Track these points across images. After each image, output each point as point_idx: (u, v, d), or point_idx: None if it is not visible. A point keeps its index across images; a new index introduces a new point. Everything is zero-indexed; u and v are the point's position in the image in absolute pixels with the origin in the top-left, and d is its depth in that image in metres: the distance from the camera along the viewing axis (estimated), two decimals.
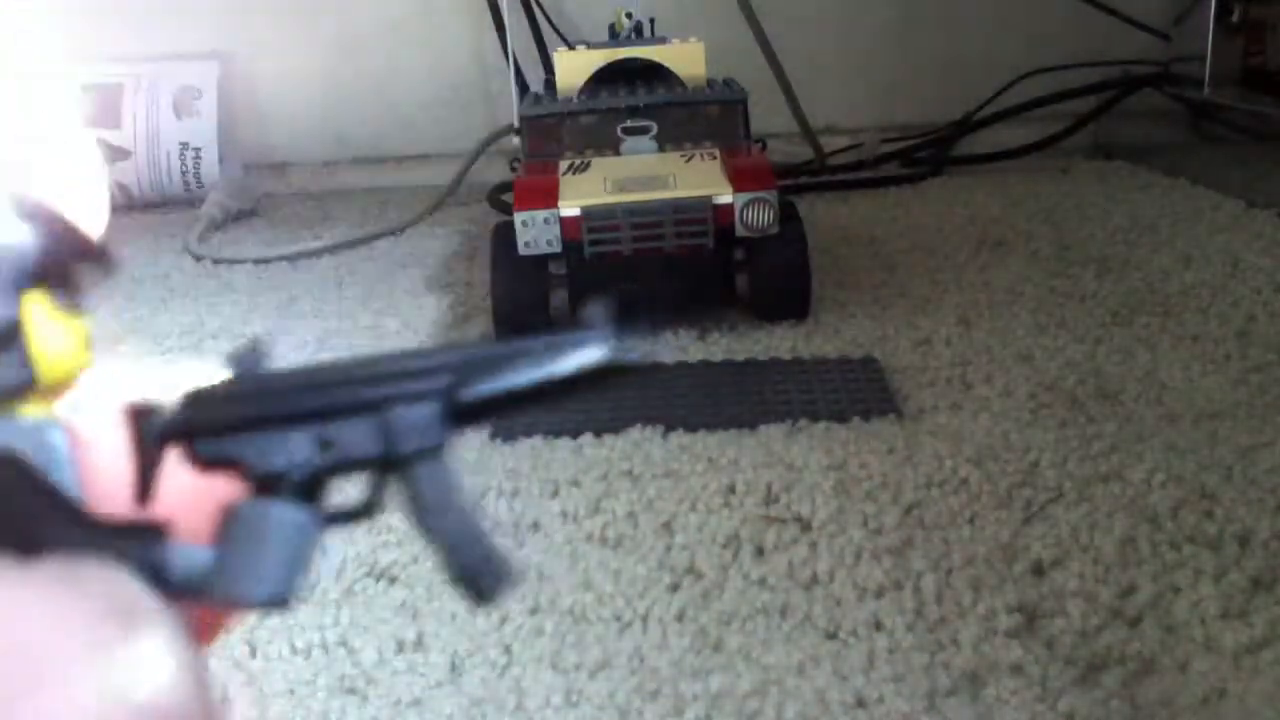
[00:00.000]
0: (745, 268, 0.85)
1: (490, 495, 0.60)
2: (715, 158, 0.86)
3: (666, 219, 0.81)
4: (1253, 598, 0.48)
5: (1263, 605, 0.48)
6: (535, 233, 0.80)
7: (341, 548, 0.54)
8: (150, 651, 0.11)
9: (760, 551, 0.54)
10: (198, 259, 1.12)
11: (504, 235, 0.83)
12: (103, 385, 0.16)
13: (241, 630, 0.49)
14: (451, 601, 0.51)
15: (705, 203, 0.81)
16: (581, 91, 0.94)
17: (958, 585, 0.50)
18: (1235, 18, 1.20)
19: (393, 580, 0.53)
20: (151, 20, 1.40)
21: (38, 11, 1.38)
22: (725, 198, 0.81)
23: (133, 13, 1.40)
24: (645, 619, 0.50)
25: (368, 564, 0.54)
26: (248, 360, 0.17)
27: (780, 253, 0.83)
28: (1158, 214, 1.09)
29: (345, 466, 0.17)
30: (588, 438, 0.67)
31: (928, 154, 1.38)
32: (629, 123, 0.89)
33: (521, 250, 0.81)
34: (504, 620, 0.50)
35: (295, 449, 0.17)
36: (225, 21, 1.42)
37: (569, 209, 0.81)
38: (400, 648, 0.49)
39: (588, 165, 0.86)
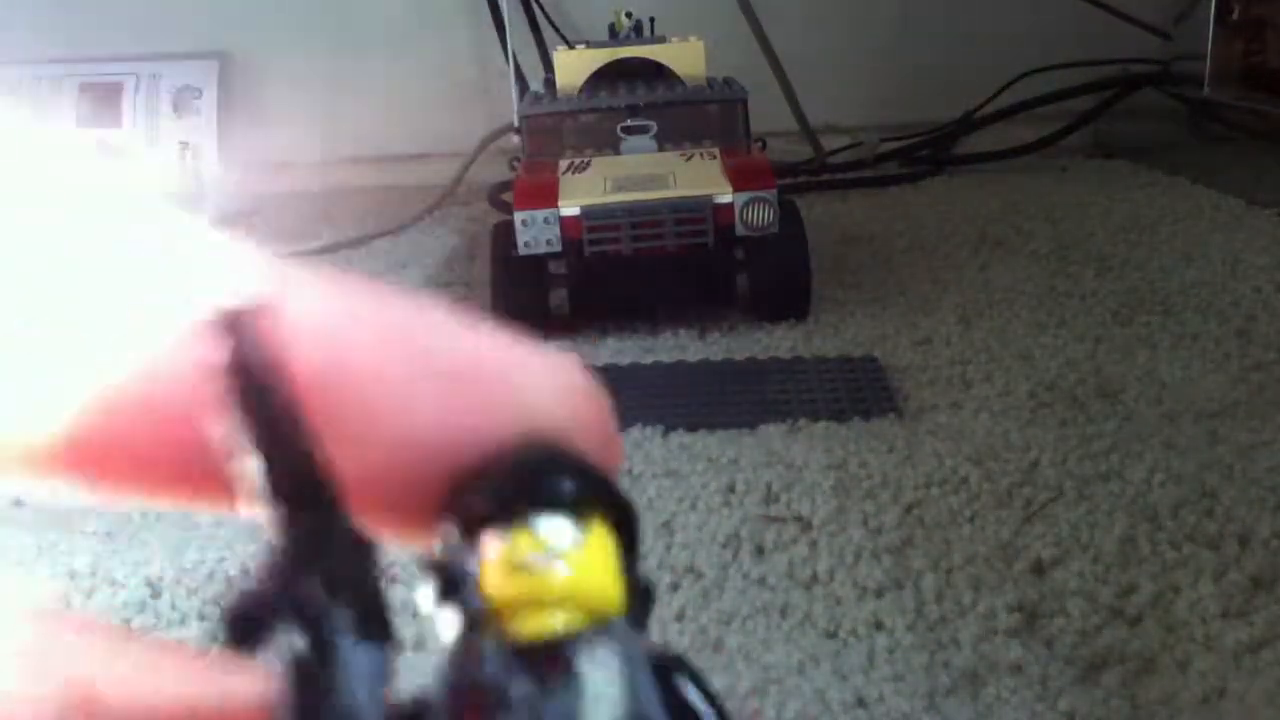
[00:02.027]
0: (745, 267, 0.85)
1: None
2: (715, 157, 0.86)
3: (666, 218, 0.81)
4: (1253, 597, 0.48)
5: (1263, 604, 0.48)
6: (535, 232, 0.80)
7: None
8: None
9: (760, 551, 0.54)
10: None
11: (504, 235, 0.83)
12: None
13: None
14: None
15: (705, 202, 0.81)
16: (581, 91, 0.94)
17: (958, 584, 0.50)
18: (1235, 16, 1.20)
19: (392, 580, 0.53)
20: (151, 20, 1.41)
21: (37, 10, 1.38)
22: (725, 197, 0.81)
23: (132, 12, 1.40)
24: None
25: None
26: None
27: (780, 252, 0.83)
28: (1158, 213, 1.09)
29: None
30: None
31: (927, 153, 1.38)
32: (629, 122, 0.89)
33: (521, 250, 0.81)
34: None
35: None
36: (225, 21, 1.42)
37: (569, 208, 0.81)
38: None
39: (587, 164, 0.86)
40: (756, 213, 0.81)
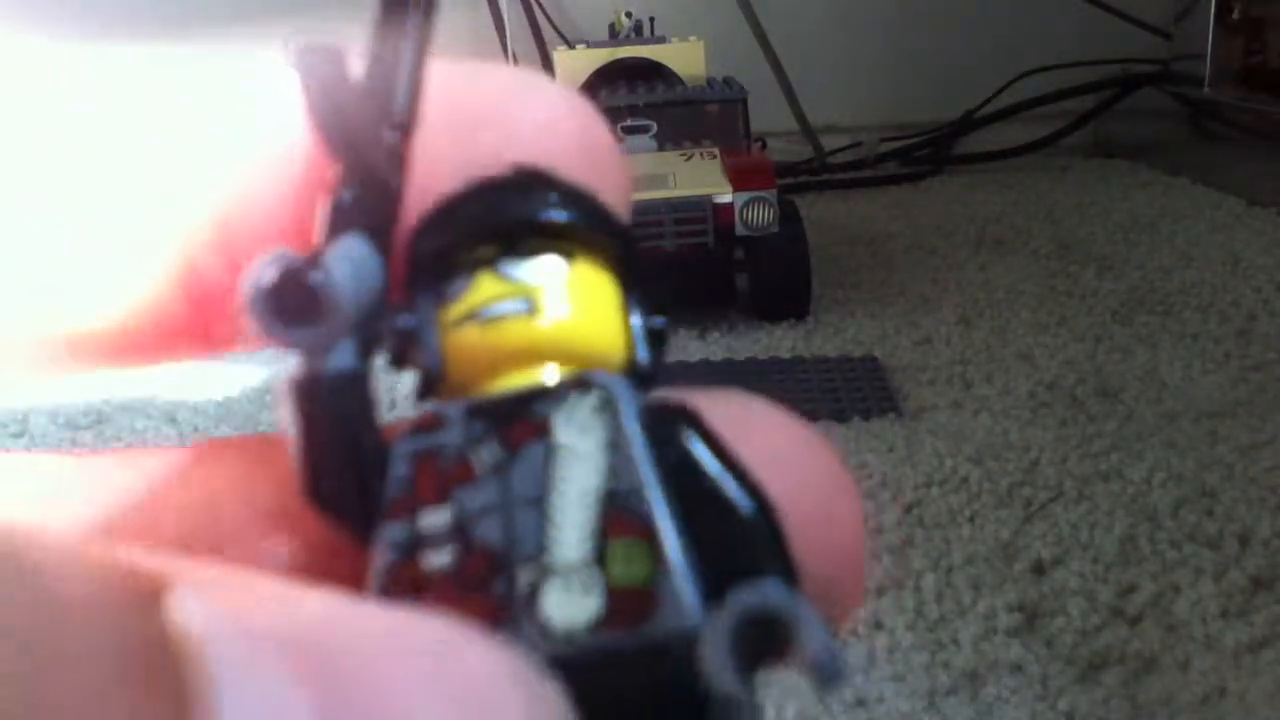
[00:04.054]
0: (745, 267, 0.85)
1: None
2: (715, 157, 0.86)
3: (666, 218, 0.81)
4: (1253, 597, 0.48)
5: (1263, 604, 0.48)
6: None
7: None
8: None
9: None
10: None
11: None
12: None
13: None
14: None
15: (705, 202, 0.81)
16: (581, 91, 0.94)
17: (958, 584, 0.50)
18: (1236, 16, 1.20)
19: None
20: (152, 20, 1.40)
21: (39, 11, 1.38)
22: (725, 197, 0.81)
23: (134, 13, 1.40)
24: None
25: None
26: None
27: (780, 252, 0.83)
28: (1158, 212, 1.09)
29: None
30: None
31: (927, 153, 1.38)
32: (629, 122, 0.89)
33: None
34: None
35: None
36: (226, 21, 1.42)
37: None
38: None
39: None
40: (756, 213, 0.81)
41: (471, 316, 0.11)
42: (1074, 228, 1.06)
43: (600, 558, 0.10)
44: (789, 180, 1.24)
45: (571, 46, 1.00)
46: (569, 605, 0.10)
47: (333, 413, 0.11)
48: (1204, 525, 0.53)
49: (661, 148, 0.89)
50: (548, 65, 1.16)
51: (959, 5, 1.43)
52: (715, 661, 0.10)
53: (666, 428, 0.11)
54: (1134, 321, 0.82)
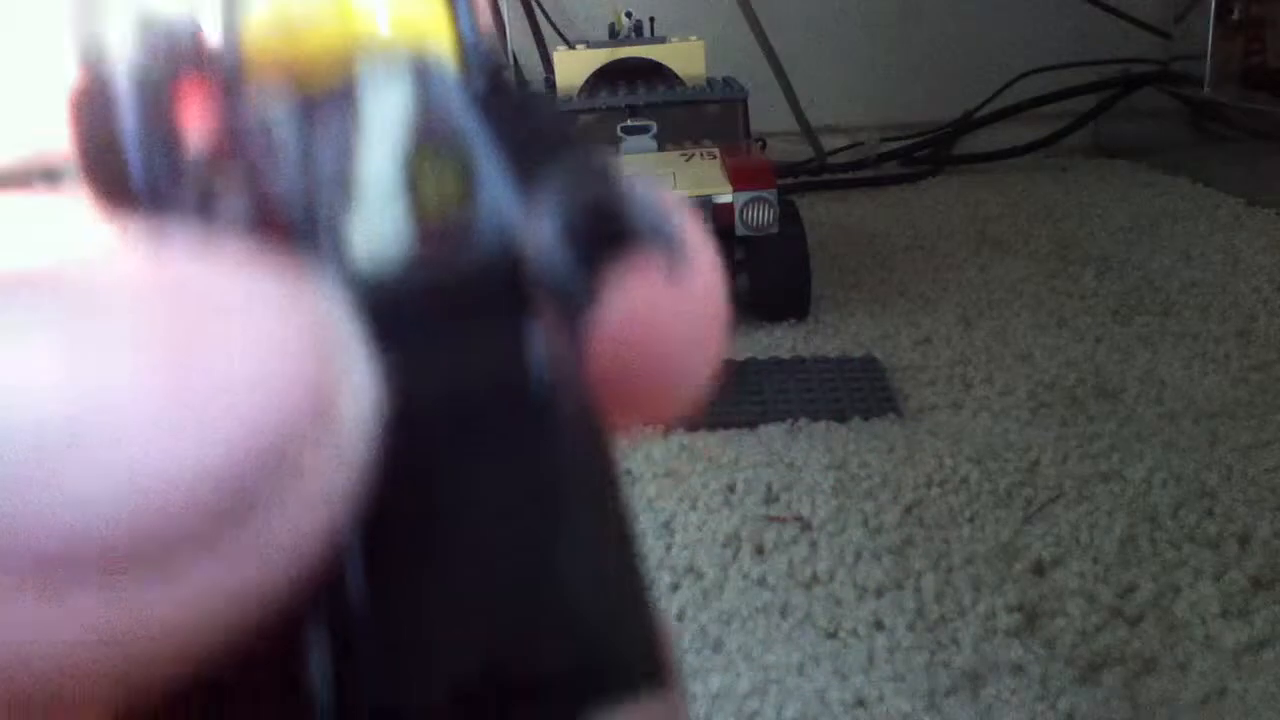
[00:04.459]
0: (745, 267, 0.85)
1: None
2: (715, 157, 0.86)
3: None
4: (1253, 597, 0.48)
5: (1263, 604, 0.48)
6: None
7: None
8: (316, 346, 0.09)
9: (760, 551, 0.54)
10: None
11: None
12: None
13: None
14: None
15: (705, 202, 0.81)
16: (581, 91, 0.94)
17: (958, 584, 0.50)
18: (1235, 16, 1.20)
19: None
20: None
21: (38, 9, 1.38)
22: (725, 197, 0.81)
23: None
24: None
25: None
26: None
27: (780, 252, 0.83)
28: (1158, 212, 1.09)
29: None
30: None
31: (927, 153, 1.38)
32: (628, 122, 0.89)
33: None
34: None
35: None
36: None
37: None
38: None
39: None
40: (756, 213, 0.81)
41: (281, 16, 0.11)
42: (1074, 228, 1.06)
43: (412, 186, 0.10)
44: (789, 180, 1.24)
45: (571, 46, 1.00)
46: (377, 236, 0.10)
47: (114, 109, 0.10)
48: (1204, 525, 0.53)
49: (661, 148, 0.89)
50: (548, 65, 1.16)
51: (959, 5, 1.43)
52: (544, 252, 0.10)
53: (495, 100, 0.11)
54: (1134, 321, 0.82)
